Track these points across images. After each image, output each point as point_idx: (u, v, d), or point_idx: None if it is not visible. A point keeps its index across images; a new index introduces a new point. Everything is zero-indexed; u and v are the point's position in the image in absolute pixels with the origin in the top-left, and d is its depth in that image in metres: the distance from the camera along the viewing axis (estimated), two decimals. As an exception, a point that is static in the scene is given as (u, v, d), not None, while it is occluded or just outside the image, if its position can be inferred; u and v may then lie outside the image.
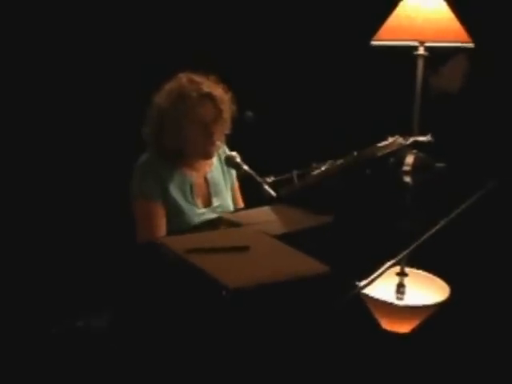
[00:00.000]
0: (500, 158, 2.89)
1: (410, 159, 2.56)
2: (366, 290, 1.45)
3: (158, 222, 2.29)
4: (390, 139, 2.10)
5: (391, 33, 2.55)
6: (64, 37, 3.48)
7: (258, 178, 2.37)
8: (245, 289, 1.35)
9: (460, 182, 2.55)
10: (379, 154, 1.93)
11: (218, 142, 2.39)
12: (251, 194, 2.52)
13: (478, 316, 1.51)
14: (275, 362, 1.19)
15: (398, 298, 1.56)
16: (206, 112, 2.31)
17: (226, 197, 2.54)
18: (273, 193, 2.35)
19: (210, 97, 2.31)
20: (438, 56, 2.95)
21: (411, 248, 1.69)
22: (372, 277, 1.47)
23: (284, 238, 1.66)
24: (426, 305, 1.56)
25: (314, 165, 2.44)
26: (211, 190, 2.47)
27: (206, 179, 2.47)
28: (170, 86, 2.34)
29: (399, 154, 2.57)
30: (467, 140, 3.03)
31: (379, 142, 2.38)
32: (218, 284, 1.37)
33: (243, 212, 1.92)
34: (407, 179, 2.57)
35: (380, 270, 1.51)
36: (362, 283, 1.45)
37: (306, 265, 1.48)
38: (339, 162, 1.98)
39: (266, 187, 2.35)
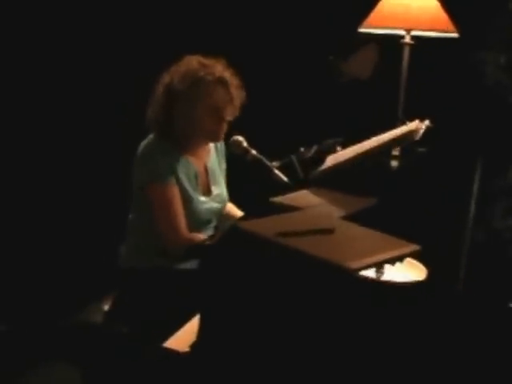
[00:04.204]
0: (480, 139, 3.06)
1: (397, 144, 2.65)
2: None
3: (178, 204, 2.25)
4: (409, 124, 2.16)
5: (379, 20, 2.63)
6: (61, 30, 3.41)
7: (268, 163, 2.37)
8: (361, 268, 1.37)
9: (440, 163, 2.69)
10: (416, 137, 1.99)
11: (225, 125, 2.37)
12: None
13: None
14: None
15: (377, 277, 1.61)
16: (218, 97, 2.29)
17: (223, 185, 2.53)
18: (284, 178, 2.36)
19: (222, 81, 2.28)
20: (350, 44, 3.08)
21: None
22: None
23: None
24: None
25: (302, 149, 2.48)
26: (210, 179, 2.45)
27: (205, 167, 2.44)
28: (182, 69, 2.28)
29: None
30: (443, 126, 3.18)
31: (367, 126, 2.46)
32: (332, 265, 1.37)
33: (288, 196, 1.91)
34: (394, 163, 2.66)
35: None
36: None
37: (398, 244, 1.51)
38: (372, 145, 2.02)
39: (277, 172, 2.35)
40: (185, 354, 1.62)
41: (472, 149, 2.65)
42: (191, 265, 2.36)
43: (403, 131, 1.99)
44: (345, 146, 2.39)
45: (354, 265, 1.35)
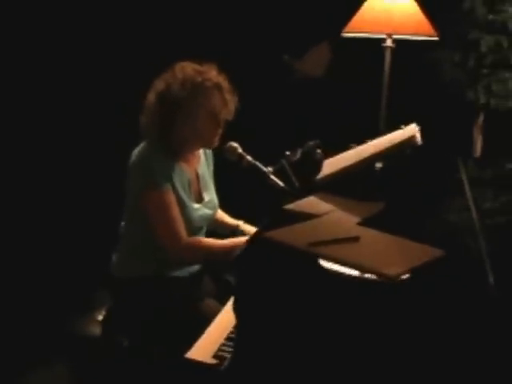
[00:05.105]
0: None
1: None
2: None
3: (176, 210, 2.23)
4: (404, 127, 2.20)
5: (361, 25, 2.67)
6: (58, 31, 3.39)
7: (264, 169, 2.38)
8: (400, 275, 1.40)
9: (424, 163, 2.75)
10: (418, 142, 2.03)
11: (220, 130, 2.37)
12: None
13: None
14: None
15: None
16: (216, 102, 2.28)
17: (213, 190, 2.52)
18: (280, 183, 2.37)
19: (218, 87, 2.28)
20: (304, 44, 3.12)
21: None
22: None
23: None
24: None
25: (288, 153, 2.50)
26: (201, 185, 2.44)
27: (197, 174, 2.43)
28: (179, 76, 2.26)
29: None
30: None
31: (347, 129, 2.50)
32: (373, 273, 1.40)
33: (299, 203, 1.92)
34: (379, 165, 2.71)
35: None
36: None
37: (425, 250, 1.54)
38: (372, 150, 2.05)
39: (273, 177, 2.36)
40: (214, 365, 1.62)
41: (451, 148, 2.73)
42: (184, 272, 2.36)
43: (404, 136, 2.02)
44: (323, 148, 2.43)
45: (393, 271, 1.38)
